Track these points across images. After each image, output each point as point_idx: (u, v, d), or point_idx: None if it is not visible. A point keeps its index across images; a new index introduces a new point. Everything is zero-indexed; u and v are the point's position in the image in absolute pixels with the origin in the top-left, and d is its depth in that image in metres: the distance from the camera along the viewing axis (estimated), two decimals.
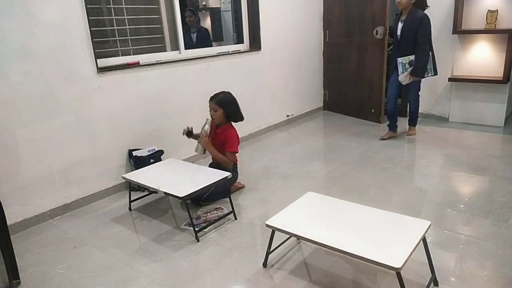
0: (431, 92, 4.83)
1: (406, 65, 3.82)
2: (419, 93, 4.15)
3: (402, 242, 1.77)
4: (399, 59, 3.83)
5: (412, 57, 3.79)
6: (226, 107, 2.94)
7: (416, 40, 3.72)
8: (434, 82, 4.74)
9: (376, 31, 4.56)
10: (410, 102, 4.27)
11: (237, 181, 3.18)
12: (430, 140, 4.16)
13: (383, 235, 1.85)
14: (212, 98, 2.98)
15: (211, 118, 2.98)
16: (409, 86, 4.04)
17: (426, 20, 3.67)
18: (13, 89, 2.58)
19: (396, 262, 1.62)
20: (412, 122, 4.34)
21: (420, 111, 4.93)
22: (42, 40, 2.67)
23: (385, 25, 4.47)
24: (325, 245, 1.82)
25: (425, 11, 3.77)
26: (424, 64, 3.79)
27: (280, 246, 2.29)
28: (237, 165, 3.15)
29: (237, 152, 3.02)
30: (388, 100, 4.19)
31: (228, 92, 3.03)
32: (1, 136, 2.55)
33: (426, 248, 1.95)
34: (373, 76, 4.80)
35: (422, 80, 4.05)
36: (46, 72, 2.72)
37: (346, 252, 1.75)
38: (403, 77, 3.84)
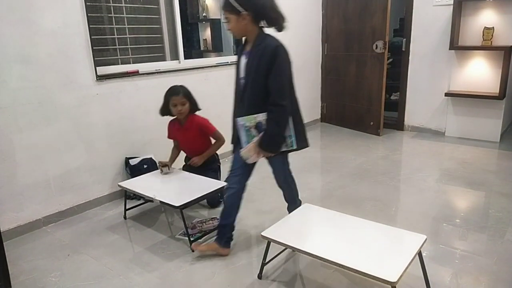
0: (427, 107, 4.87)
1: (252, 130, 2.15)
2: (292, 173, 2.51)
3: (398, 256, 1.77)
4: (240, 120, 2.16)
5: (261, 117, 2.12)
6: (191, 98, 2.97)
7: (268, 89, 2.09)
8: (431, 97, 4.78)
9: (376, 45, 4.62)
10: (283, 190, 2.55)
11: None
12: (426, 154, 4.17)
13: (379, 249, 1.84)
14: (176, 93, 2.92)
15: (161, 163, 2.98)
16: (271, 164, 2.39)
17: (281, 55, 2.14)
18: (11, 95, 2.58)
19: (392, 276, 1.62)
20: (222, 239, 2.42)
21: (416, 125, 4.99)
22: (42, 47, 2.68)
23: (385, 39, 4.52)
24: (320, 257, 1.82)
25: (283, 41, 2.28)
26: (279, 131, 2.12)
27: (276, 258, 2.27)
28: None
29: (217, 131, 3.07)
30: (226, 191, 2.38)
31: (180, 85, 3.03)
32: None
33: (421, 263, 1.95)
34: (372, 89, 4.84)
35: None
36: (45, 79, 2.73)
37: (341, 265, 1.75)
38: (247, 151, 2.15)
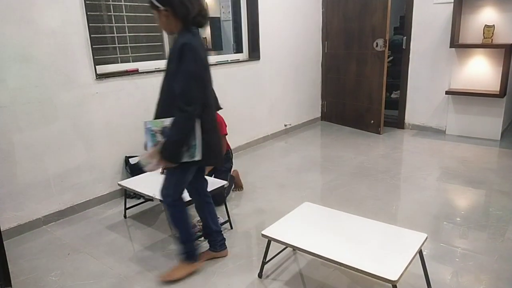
0: (428, 105, 4.86)
1: (157, 135, 1.95)
2: (178, 188, 2.12)
3: (398, 255, 1.77)
4: (147, 123, 1.96)
5: (168, 122, 1.91)
6: None
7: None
8: (431, 95, 4.77)
9: (377, 43, 4.61)
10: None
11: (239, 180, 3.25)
12: (426, 153, 4.17)
13: (380, 247, 1.84)
14: None
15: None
16: (167, 174, 2.14)
17: (188, 55, 1.84)
18: (11, 94, 2.57)
19: (393, 274, 1.61)
20: (182, 256, 2.20)
21: (417, 123, 4.99)
22: (42, 46, 2.67)
23: (385, 37, 4.51)
24: (321, 256, 1.81)
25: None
26: (180, 139, 1.89)
27: (276, 257, 2.27)
28: (231, 152, 3.18)
29: (226, 135, 3.06)
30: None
31: None
32: None
33: (422, 261, 1.95)
34: (373, 87, 4.84)
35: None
36: (45, 78, 2.72)
37: (342, 263, 1.75)
38: (146, 157, 1.96)
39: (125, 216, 2.95)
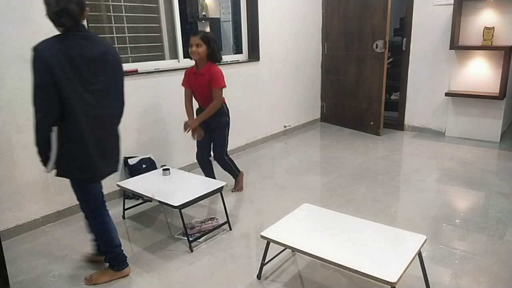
0: (427, 107, 4.86)
1: None
2: (86, 202, 2.23)
3: (397, 256, 1.76)
4: None
5: None
6: (210, 43, 2.87)
7: None
8: (431, 97, 4.77)
9: (376, 44, 4.61)
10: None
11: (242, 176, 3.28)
12: (426, 154, 4.16)
13: (379, 249, 1.84)
14: (195, 34, 2.86)
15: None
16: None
17: (32, 61, 1.75)
18: (10, 94, 2.57)
19: (392, 276, 1.61)
20: (108, 262, 2.24)
21: (416, 125, 4.99)
22: None
23: (385, 39, 4.51)
24: (320, 258, 1.81)
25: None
26: (37, 147, 1.93)
27: (275, 258, 2.26)
28: (227, 106, 3.10)
29: (225, 87, 2.98)
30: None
31: (209, 32, 2.98)
32: None
33: (421, 263, 1.94)
34: (372, 88, 4.84)
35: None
36: None
37: (341, 265, 1.74)
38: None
39: (123, 217, 2.94)
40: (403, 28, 4.95)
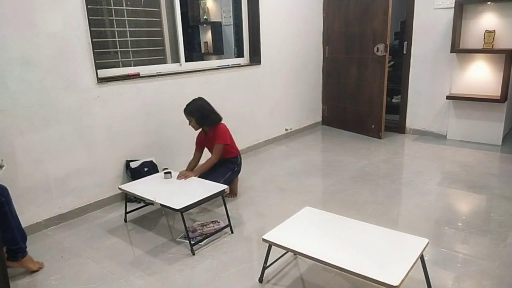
0: (429, 110, 4.86)
1: None
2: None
3: (399, 260, 1.76)
4: None
5: None
6: (195, 115, 3.04)
7: None
8: (432, 100, 4.78)
9: (377, 48, 4.62)
10: None
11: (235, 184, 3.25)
12: (428, 158, 4.16)
13: (381, 252, 1.83)
14: (184, 110, 3.08)
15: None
16: None
17: None
18: (12, 97, 2.58)
19: (394, 280, 1.61)
20: None
21: (418, 128, 4.99)
22: (43, 49, 2.68)
23: (386, 42, 4.52)
24: (322, 261, 1.80)
25: None
26: None
27: (277, 261, 2.26)
28: (241, 158, 3.25)
29: (228, 144, 3.11)
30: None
31: (198, 98, 3.12)
32: None
33: (423, 266, 1.94)
34: (373, 92, 4.84)
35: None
36: (46, 81, 2.73)
37: (343, 268, 1.74)
38: None
39: (125, 220, 2.94)
40: (404, 31, 4.96)
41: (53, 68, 2.75)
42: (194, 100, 3.11)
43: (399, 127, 5.14)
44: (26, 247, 2.29)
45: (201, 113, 3.05)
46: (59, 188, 2.90)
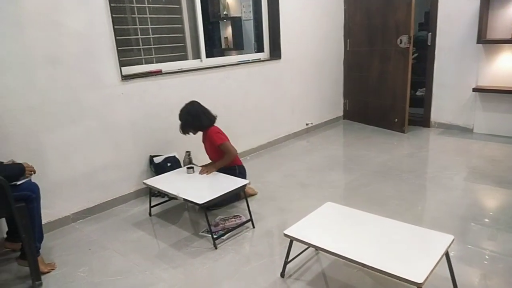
0: (454, 103, 4.73)
1: None
2: None
3: (424, 256, 1.73)
4: None
5: None
6: (181, 121, 2.99)
7: None
8: (458, 92, 4.65)
9: (401, 40, 4.53)
10: None
11: (249, 186, 3.16)
12: (453, 152, 4.06)
13: (404, 249, 1.81)
14: (178, 116, 3.01)
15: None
16: None
17: None
18: (39, 95, 2.66)
19: (418, 277, 1.59)
20: None
21: (443, 121, 4.87)
22: (69, 48, 2.76)
23: (409, 33, 4.42)
24: (344, 257, 1.80)
25: None
26: None
27: (298, 256, 2.27)
28: (245, 169, 3.16)
29: (226, 141, 3.00)
30: None
31: (189, 104, 3.03)
32: (28, 140, 2.63)
33: (449, 263, 1.90)
34: (397, 85, 4.75)
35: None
36: (71, 79, 2.80)
37: (365, 265, 1.73)
38: None
39: (150, 214, 3.01)
40: (428, 22, 4.83)
41: (79, 66, 2.83)
42: (185, 105, 3.02)
43: (423, 121, 5.03)
44: (39, 248, 2.32)
45: (185, 120, 2.97)
46: (87, 182, 2.99)
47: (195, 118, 2.99)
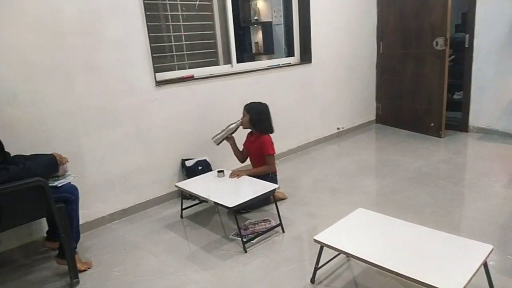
0: (494, 106, 4.52)
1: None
2: None
3: (461, 266, 1.67)
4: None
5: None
6: (251, 113, 3.07)
7: None
8: (498, 96, 4.44)
9: (436, 42, 4.39)
10: None
11: (278, 190, 3.17)
12: (493, 158, 3.87)
13: (440, 258, 1.75)
14: (245, 105, 3.13)
15: (240, 121, 3.10)
16: None
17: None
18: (78, 100, 2.79)
19: (455, 287, 1.53)
20: None
21: (482, 126, 4.67)
22: (106, 55, 2.87)
23: (446, 35, 4.28)
24: (376, 265, 1.76)
25: None
26: None
27: (329, 263, 2.24)
28: (276, 174, 3.18)
29: (273, 154, 3.08)
30: None
31: (263, 104, 3.13)
32: (68, 144, 2.76)
33: (487, 274, 1.82)
34: (433, 88, 4.61)
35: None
36: (108, 85, 2.92)
37: (399, 273, 1.68)
38: None
39: (181, 216, 3.07)
40: (465, 23, 4.66)
41: (115, 73, 2.94)
42: (259, 102, 3.13)
43: (461, 125, 4.84)
44: (76, 247, 2.41)
45: (258, 116, 3.07)
46: (122, 185, 3.10)
47: (268, 119, 3.10)
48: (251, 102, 3.13)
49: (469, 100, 4.71)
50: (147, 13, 3.06)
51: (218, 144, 3.12)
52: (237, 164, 3.43)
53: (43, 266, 2.51)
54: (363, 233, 2.04)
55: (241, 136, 3.22)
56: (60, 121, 2.72)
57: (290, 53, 4.59)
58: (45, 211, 2.17)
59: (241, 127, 3.12)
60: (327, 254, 2.14)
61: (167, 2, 3.60)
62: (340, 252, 1.98)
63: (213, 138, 3.11)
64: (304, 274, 2.22)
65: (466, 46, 4.59)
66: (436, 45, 4.40)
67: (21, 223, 2.34)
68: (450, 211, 2.86)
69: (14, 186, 1.98)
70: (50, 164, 2.26)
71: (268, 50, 5.40)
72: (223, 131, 3.11)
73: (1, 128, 2.38)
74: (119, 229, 2.95)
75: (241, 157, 3.28)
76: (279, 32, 5.16)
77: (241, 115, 3.12)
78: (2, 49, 2.41)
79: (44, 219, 2.56)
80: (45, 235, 2.64)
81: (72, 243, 2.32)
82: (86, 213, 2.91)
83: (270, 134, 3.12)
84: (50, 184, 2.18)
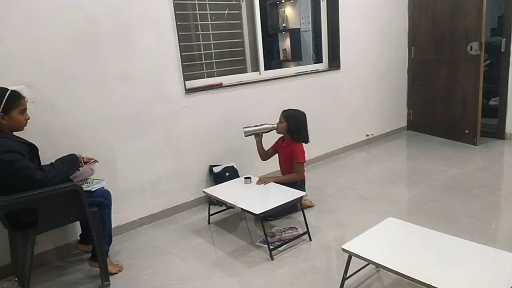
0: None
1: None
2: None
3: (496, 280, 1.59)
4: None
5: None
6: (289, 121, 3.05)
7: None
8: None
9: (471, 46, 4.25)
10: None
11: (306, 198, 3.15)
12: None
13: (475, 270, 1.68)
14: (283, 111, 3.12)
15: (276, 125, 3.09)
16: None
17: None
18: (113, 108, 2.89)
19: None
20: None
21: None
22: (139, 64, 2.97)
23: (480, 40, 4.14)
24: (408, 276, 1.71)
25: None
26: None
27: (357, 273, 2.19)
28: (305, 182, 3.16)
29: (304, 162, 3.05)
30: None
31: (302, 113, 3.12)
32: (102, 150, 2.86)
33: None
34: (467, 94, 4.45)
35: None
36: (141, 93, 3.01)
37: (431, 286, 1.62)
38: None
39: (209, 222, 3.10)
40: (502, 27, 4.48)
41: (147, 81, 3.03)
42: (297, 110, 3.13)
43: (497, 132, 4.64)
44: (108, 250, 2.48)
45: (296, 125, 3.05)
46: (152, 190, 3.17)
47: (305, 128, 3.09)
48: (289, 109, 3.12)
49: (506, 106, 4.51)
50: (179, 23, 3.14)
51: (246, 136, 3.13)
52: (264, 171, 3.44)
53: (76, 268, 2.60)
54: (393, 243, 1.98)
55: (268, 136, 3.21)
56: (95, 129, 2.82)
57: (318, 60, 4.56)
58: (79, 214, 2.25)
59: (275, 131, 3.12)
60: (355, 264, 2.10)
61: (197, 12, 3.67)
62: (370, 262, 1.93)
63: (244, 128, 3.12)
64: (332, 284, 2.18)
65: (502, 50, 4.41)
66: (470, 49, 4.26)
67: (56, 226, 2.45)
68: (486, 222, 2.74)
69: (51, 190, 2.08)
70: (73, 161, 2.35)
71: (296, 56, 5.40)
72: (257, 126, 3.13)
73: (39, 135, 2.50)
74: (149, 234, 3.02)
75: (263, 156, 3.27)
76: (307, 38, 5.15)
77: (271, 120, 3.12)
78: (42, 60, 2.54)
79: (78, 222, 2.65)
80: (79, 238, 2.73)
81: (105, 246, 2.39)
82: (117, 217, 2.99)
83: (304, 144, 3.10)
84: (85, 189, 2.26)
